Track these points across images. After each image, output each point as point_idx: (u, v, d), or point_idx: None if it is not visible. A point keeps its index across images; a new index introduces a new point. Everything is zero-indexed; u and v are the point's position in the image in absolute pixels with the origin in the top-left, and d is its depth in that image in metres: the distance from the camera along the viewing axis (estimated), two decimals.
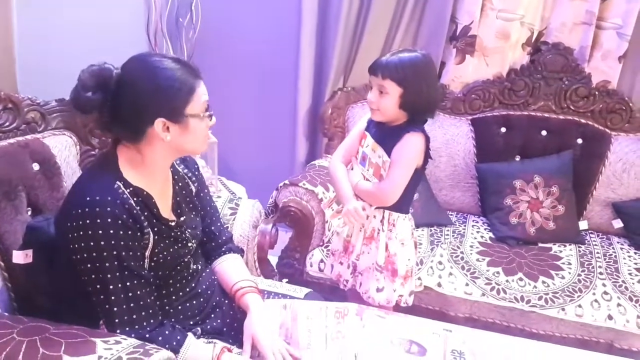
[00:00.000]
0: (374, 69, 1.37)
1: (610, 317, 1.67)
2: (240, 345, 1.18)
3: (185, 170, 1.27)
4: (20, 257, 1.15)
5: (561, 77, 2.13)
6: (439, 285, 1.76)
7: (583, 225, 2.12)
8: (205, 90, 1.09)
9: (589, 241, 2.06)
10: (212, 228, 1.33)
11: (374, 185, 1.42)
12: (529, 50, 2.18)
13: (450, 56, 2.20)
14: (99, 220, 0.98)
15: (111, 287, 1.01)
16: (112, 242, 1.00)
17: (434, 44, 2.16)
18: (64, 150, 1.43)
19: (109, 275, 1.01)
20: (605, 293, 1.72)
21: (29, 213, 1.27)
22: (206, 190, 1.34)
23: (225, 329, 1.25)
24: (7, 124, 1.31)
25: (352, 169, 1.51)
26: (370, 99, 1.38)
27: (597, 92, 2.11)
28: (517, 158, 2.17)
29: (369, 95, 1.39)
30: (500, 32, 2.12)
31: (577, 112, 2.14)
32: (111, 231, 0.99)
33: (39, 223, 1.19)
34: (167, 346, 1.03)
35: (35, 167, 1.31)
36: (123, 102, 1.03)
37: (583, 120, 2.13)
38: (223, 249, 1.34)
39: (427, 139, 1.40)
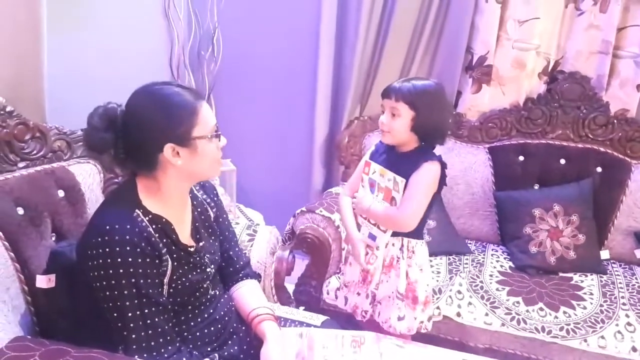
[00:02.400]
0: (387, 92, 1.40)
1: (634, 349, 1.62)
2: None
3: (204, 196, 1.29)
4: (43, 281, 1.17)
5: (579, 105, 2.13)
6: (458, 315, 1.74)
7: (604, 254, 2.07)
8: (210, 112, 1.09)
9: (611, 271, 2.01)
10: (230, 253, 1.34)
11: (389, 209, 1.42)
12: (546, 79, 2.19)
13: (467, 85, 2.23)
14: (117, 249, 1.00)
15: (129, 314, 1.02)
16: (130, 270, 1.01)
17: (450, 73, 2.19)
18: (88, 177, 1.47)
19: (127, 303, 1.02)
20: (629, 324, 1.67)
21: (53, 239, 1.30)
22: (225, 215, 1.36)
23: (242, 356, 1.25)
24: (35, 152, 1.36)
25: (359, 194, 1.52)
26: (382, 121, 1.41)
27: (615, 121, 2.10)
28: (536, 186, 2.16)
29: (381, 117, 1.42)
30: (516, 61, 2.14)
31: (596, 140, 2.13)
32: (129, 259, 1.01)
33: (62, 248, 1.22)
34: None
35: (60, 193, 1.35)
36: (132, 135, 1.05)
37: (602, 149, 2.12)
38: (240, 275, 1.35)
39: (443, 165, 1.41)
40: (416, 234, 1.46)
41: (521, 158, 2.18)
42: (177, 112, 1.05)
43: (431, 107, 1.36)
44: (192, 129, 1.05)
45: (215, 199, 1.33)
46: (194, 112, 1.06)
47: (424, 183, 1.37)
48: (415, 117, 1.36)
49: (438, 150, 1.45)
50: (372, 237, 1.46)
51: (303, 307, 1.77)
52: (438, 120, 1.39)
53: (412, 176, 1.37)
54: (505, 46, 2.13)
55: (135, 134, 1.05)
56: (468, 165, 2.19)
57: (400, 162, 1.42)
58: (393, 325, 1.46)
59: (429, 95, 1.37)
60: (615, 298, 1.81)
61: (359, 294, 1.55)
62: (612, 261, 2.09)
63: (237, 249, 1.37)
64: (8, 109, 1.28)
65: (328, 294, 1.85)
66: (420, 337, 1.50)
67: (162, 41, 2.24)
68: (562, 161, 2.14)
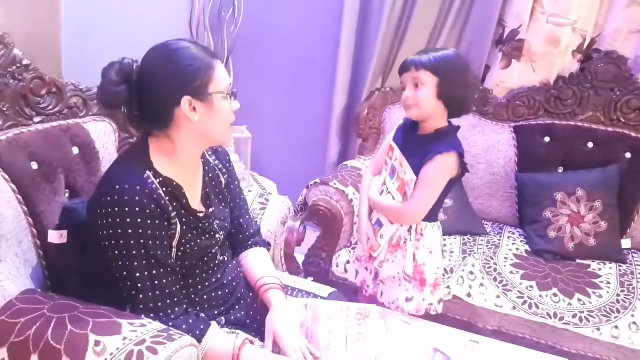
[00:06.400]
0: (405, 66, 1.34)
1: None
2: (261, 338, 1.18)
3: (217, 162, 1.28)
4: (55, 236, 1.18)
5: (612, 87, 2.04)
6: (469, 295, 1.71)
7: (626, 243, 2.01)
8: (225, 71, 1.09)
9: (631, 261, 1.95)
10: (241, 220, 1.34)
11: (395, 204, 1.39)
12: (580, 57, 2.09)
13: (496, 60, 2.14)
14: (127, 209, 1.00)
15: (137, 274, 1.03)
16: (140, 231, 1.01)
17: (479, 46, 2.11)
18: (103, 136, 1.47)
19: (135, 263, 1.03)
20: None
21: (67, 195, 1.31)
22: (236, 182, 1.35)
23: (248, 321, 1.26)
24: (51, 107, 1.36)
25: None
26: (406, 95, 1.33)
27: None
28: (560, 169, 2.09)
29: (404, 93, 1.35)
30: (550, 37, 2.04)
31: (628, 125, 2.04)
32: (139, 220, 1.01)
33: (75, 205, 1.23)
34: (190, 334, 1.04)
35: (75, 150, 1.35)
36: (148, 90, 1.04)
37: (633, 134, 2.03)
38: (250, 242, 1.35)
39: (461, 154, 1.33)
40: (428, 216, 1.42)
41: (547, 139, 2.10)
42: (194, 65, 1.04)
43: (454, 71, 1.30)
44: (209, 83, 1.05)
45: (228, 165, 1.32)
46: (210, 67, 1.05)
47: (433, 177, 1.31)
48: (440, 83, 1.29)
49: (462, 125, 1.38)
50: (380, 224, 1.44)
51: (312, 279, 1.77)
52: (463, 84, 1.32)
53: (423, 168, 1.31)
54: (540, 20, 2.03)
55: (151, 88, 1.04)
56: (491, 144, 2.13)
57: (417, 145, 1.36)
58: (401, 306, 1.44)
59: (450, 62, 1.31)
60: (633, 288, 1.76)
61: (367, 269, 1.54)
62: (633, 251, 2.02)
63: (247, 217, 1.37)
64: (25, 62, 1.27)
65: (338, 267, 1.85)
66: (428, 315, 1.48)
67: (182, 1, 2.19)
68: (590, 145, 2.06)
